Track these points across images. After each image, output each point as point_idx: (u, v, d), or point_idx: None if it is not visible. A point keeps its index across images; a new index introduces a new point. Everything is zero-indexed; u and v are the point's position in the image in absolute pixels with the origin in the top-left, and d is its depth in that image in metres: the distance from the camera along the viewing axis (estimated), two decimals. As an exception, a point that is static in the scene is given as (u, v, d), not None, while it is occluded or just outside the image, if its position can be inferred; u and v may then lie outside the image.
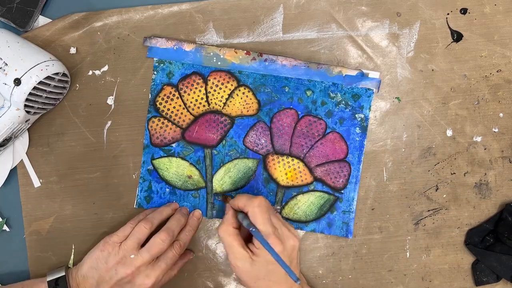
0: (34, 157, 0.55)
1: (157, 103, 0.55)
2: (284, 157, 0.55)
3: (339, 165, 0.55)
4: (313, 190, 0.55)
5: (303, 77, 0.54)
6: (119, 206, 0.55)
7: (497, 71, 0.56)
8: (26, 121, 0.52)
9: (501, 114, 0.56)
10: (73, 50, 0.55)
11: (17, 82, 0.47)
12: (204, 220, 0.56)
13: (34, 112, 0.51)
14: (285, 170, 0.55)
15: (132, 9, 0.55)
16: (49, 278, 0.50)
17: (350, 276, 0.56)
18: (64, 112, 0.55)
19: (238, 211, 0.50)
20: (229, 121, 0.55)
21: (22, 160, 0.55)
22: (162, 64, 0.54)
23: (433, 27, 0.56)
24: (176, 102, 0.55)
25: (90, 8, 0.55)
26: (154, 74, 0.54)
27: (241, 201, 0.48)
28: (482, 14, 0.56)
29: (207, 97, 0.54)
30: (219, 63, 0.54)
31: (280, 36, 0.55)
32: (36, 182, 0.55)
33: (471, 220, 0.56)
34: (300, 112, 0.55)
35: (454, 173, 0.56)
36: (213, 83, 0.55)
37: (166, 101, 0.55)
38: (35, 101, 0.49)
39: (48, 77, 0.49)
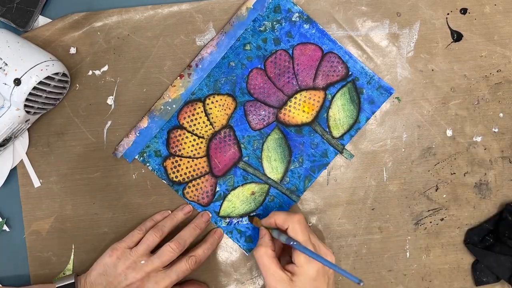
0: (34, 157, 0.55)
1: (174, 179, 0.55)
2: (288, 103, 0.55)
3: (325, 60, 0.55)
4: (332, 97, 0.55)
5: (231, 43, 0.54)
6: (119, 206, 0.55)
7: (497, 71, 0.56)
8: (26, 121, 0.52)
9: (501, 114, 0.56)
10: (73, 50, 0.55)
11: (17, 82, 0.47)
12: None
13: (34, 112, 0.51)
14: (300, 109, 0.55)
15: (132, 9, 0.55)
16: (59, 284, 0.50)
17: (350, 276, 0.56)
18: (64, 112, 0.55)
19: (271, 229, 0.49)
20: (228, 129, 0.55)
21: (22, 160, 0.55)
22: (145, 154, 0.54)
23: (433, 27, 0.56)
24: (183, 164, 0.55)
25: (90, 8, 0.55)
26: (148, 166, 0.55)
27: (279, 217, 0.48)
28: (482, 14, 0.56)
29: (195, 135, 0.54)
30: (173, 106, 0.54)
31: (280, 36, 0.55)
32: (36, 182, 0.55)
33: (471, 220, 0.56)
34: (259, 65, 0.55)
35: (454, 173, 0.56)
36: (188, 122, 0.54)
37: (177, 170, 0.55)
38: (35, 101, 0.49)
39: (48, 77, 0.49)
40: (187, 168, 0.55)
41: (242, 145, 0.55)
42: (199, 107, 0.55)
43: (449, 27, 0.56)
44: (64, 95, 0.54)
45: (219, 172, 0.55)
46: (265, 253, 0.47)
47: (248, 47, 0.54)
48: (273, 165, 0.55)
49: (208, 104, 0.55)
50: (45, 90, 0.50)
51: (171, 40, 0.55)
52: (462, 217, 0.56)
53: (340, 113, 0.55)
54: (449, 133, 0.56)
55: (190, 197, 0.55)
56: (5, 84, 0.47)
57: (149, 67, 0.55)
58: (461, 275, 0.56)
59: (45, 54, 0.50)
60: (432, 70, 0.56)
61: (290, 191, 0.55)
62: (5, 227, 0.55)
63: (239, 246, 0.55)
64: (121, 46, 0.55)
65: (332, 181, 0.56)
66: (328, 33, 0.55)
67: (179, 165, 0.55)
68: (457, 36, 0.56)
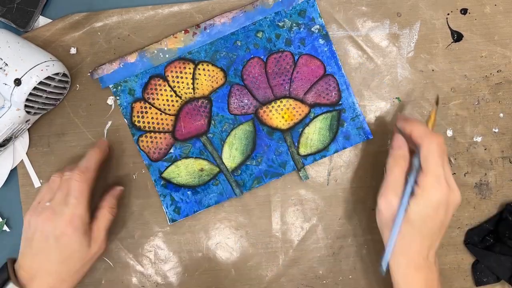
0: (34, 157, 0.55)
1: (136, 122, 0.54)
2: (273, 103, 0.54)
3: (324, 81, 0.54)
4: (314, 117, 0.54)
5: (246, 24, 0.54)
6: (119, 206, 0.55)
7: (497, 71, 0.56)
8: (26, 121, 0.52)
9: (501, 114, 0.56)
10: (73, 50, 0.55)
11: (17, 82, 0.47)
12: (204, 221, 0.55)
13: (34, 113, 0.51)
14: (280, 114, 0.54)
15: (132, 9, 0.55)
16: None
17: (350, 277, 0.56)
18: (64, 112, 0.55)
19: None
20: (207, 101, 0.54)
21: (22, 160, 0.55)
22: (119, 87, 0.54)
23: (433, 27, 0.56)
24: (151, 113, 0.54)
25: (90, 8, 0.55)
26: (117, 99, 0.54)
27: (418, 130, 0.45)
28: (482, 14, 0.56)
29: (174, 92, 0.54)
30: (166, 55, 0.54)
31: (280, 36, 0.55)
32: (36, 183, 0.55)
33: (471, 220, 0.56)
34: (263, 56, 0.54)
35: (454, 173, 0.56)
36: (172, 77, 0.54)
37: (142, 116, 0.54)
38: (35, 101, 0.49)
39: (48, 77, 0.49)
40: (152, 118, 0.54)
41: (212, 121, 0.54)
42: (189, 68, 0.54)
43: (449, 27, 0.56)
44: (65, 95, 0.54)
45: (180, 136, 0.54)
46: (399, 156, 0.45)
47: (259, 35, 0.54)
48: (232, 153, 0.55)
49: (199, 69, 0.54)
50: (45, 90, 0.50)
51: (172, 40, 0.55)
52: (462, 217, 0.56)
53: (314, 135, 0.55)
54: (449, 133, 0.56)
55: (143, 146, 0.54)
56: (5, 84, 0.47)
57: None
58: (461, 275, 0.56)
59: (45, 54, 0.50)
60: (432, 70, 0.56)
61: (236, 184, 0.55)
62: (5, 227, 0.55)
63: (165, 212, 0.55)
64: (122, 46, 0.55)
65: (332, 181, 0.56)
66: (329, 33, 0.55)
67: (146, 112, 0.54)
68: (457, 36, 0.56)
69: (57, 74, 0.50)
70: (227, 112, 0.54)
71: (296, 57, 0.54)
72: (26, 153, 0.55)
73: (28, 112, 0.50)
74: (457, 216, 0.56)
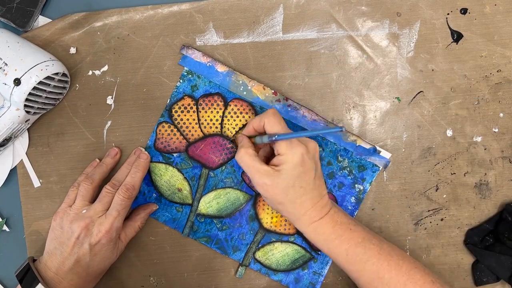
0: (34, 157, 0.55)
1: (173, 110, 0.55)
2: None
3: None
4: (292, 242, 0.55)
5: (319, 133, 0.54)
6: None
7: (497, 71, 0.56)
8: (26, 121, 0.52)
9: (501, 114, 0.56)
10: (73, 50, 0.54)
11: (17, 82, 0.47)
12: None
13: (34, 112, 0.51)
14: (272, 214, 0.55)
15: (132, 9, 0.55)
16: (16, 273, 0.49)
17: (350, 276, 0.56)
18: (64, 112, 0.55)
19: (253, 137, 0.50)
20: (235, 150, 0.55)
21: (22, 160, 0.55)
22: (190, 75, 0.54)
23: (433, 27, 0.56)
24: (191, 115, 0.55)
25: (90, 8, 0.55)
26: (179, 82, 0.54)
27: (254, 120, 0.49)
28: (482, 14, 0.56)
29: (222, 120, 0.54)
30: (244, 93, 0.54)
31: (280, 36, 0.55)
32: (36, 182, 0.55)
33: (471, 220, 0.56)
34: None
35: (454, 173, 0.56)
36: (232, 109, 0.54)
37: (182, 111, 0.55)
38: (35, 101, 0.49)
39: (48, 77, 0.49)
40: (188, 120, 0.54)
41: (223, 167, 0.55)
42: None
43: (449, 27, 0.56)
44: (64, 95, 0.54)
45: (191, 152, 0.54)
46: (245, 153, 0.48)
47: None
48: (211, 202, 0.55)
49: (230, 110, 0.54)
50: (45, 90, 0.50)
51: (171, 40, 0.55)
52: (462, 217, 0.56)
53: (278, 254, 0.55)
54: (449, 133, 0.56)
55: (159, 130, 0.54)
56: (5, 84, 0.47)
57: (149, 67, 0.55)
58: (461, 275, 0.56)
59: (45, 54, 0.50)
60: (432, 70, 0.56)
61: (191, 225, 0.55)
62: (5, 227, 0.55)
63: None
64: (121, 46, 0.55)
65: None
66: (328, 33, 0.55)
67: (188, 111, 0.54)
68: (457, 36, 0.56)
69: (56, 73, 0.50)
70: (240, 173, 0.55)
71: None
72: (26, 153, 0.55)
73: (27, 112, 0.50)
74: (457, 216, 0.56)
